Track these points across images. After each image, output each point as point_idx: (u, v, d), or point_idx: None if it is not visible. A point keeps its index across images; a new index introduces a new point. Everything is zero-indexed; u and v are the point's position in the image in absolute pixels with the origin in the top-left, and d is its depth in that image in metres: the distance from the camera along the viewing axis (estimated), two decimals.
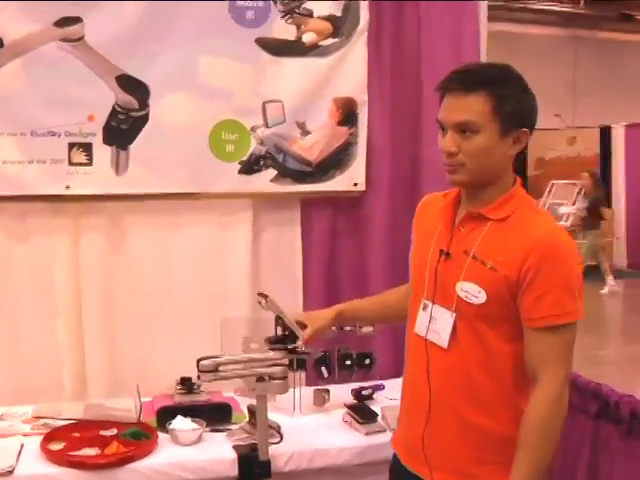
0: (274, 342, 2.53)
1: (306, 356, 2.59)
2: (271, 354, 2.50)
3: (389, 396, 3.08)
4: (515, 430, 1.99)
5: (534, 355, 1.96)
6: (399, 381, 3.26)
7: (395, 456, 2.30)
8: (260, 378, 2.47)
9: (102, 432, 2.70)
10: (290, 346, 2.49)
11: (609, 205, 13.18)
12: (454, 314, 2.04)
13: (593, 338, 7.76)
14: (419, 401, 2.14)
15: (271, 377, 2.47)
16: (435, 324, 2.09)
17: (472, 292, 1.99)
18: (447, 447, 2.09)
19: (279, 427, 2.69)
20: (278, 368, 2.48)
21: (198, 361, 2.43)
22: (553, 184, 12.52)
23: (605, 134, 13.51)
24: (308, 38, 3.31)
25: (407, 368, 2.26)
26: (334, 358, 3.07)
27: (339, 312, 2.52)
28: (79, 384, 3.29)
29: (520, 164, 13.46)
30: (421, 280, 2.15)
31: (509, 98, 1.96)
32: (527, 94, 2.02)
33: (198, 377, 2.45)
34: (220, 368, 2.44)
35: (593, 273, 11.97)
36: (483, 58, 3.52)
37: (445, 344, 2.06)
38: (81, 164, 3.15)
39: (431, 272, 2.11)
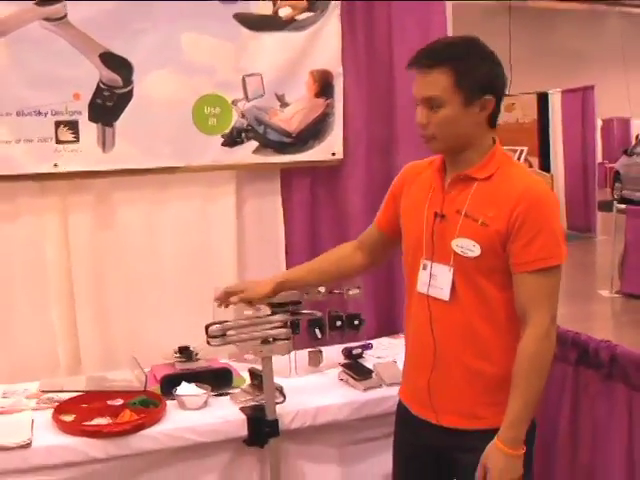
0: (276, 305, 2.64)
1: (308, 317, 2.71)
2: (276, 316, 2.61)
3: (377, 354, 3.24)
4: (501, 377, 2.16)
5: (524, 297, 2.11)
6: (386, 340, 3.45)
7: (402, 407, 2.43)
8: (265, 340, 2.58)
9: (109, 402, 2.79)
10: (292, 308, 2.62)
11: (548, 170, 13.53)
12: (452, 268, 2.18)
13: None
14: (424, 353, 2.28)
15: (275, 339, 2.58)
16: (436, 280, 2.23)
17: (467, 247, 2.14)
18: (452, 392, 2.23)
19: (282, 388, 2.80)
20: (282, 330, 2.60)
21: (206, 327, 2.53)
22: None
23: (543, 100, 13.77)
24: (284, 13, 3.40)
25: (409, 325, 2.38)
26: (325, 320, 3.19)
27: (278, 284, 2.58)
28: (74, 359, 3.35)
29: None
30: (419, 242, 2.28)
31: (470, 70, 2.09)
32: (489, 64, 2.15)
33: (208, 342, 2.54)
34: (228, 333, 2.55)
35: None
36: (449, 29, 3.66)
37: (447, 297, 2.20)
38: (68, 142, 3.19)
39: (428, 233, 2.24)
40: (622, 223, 8.36)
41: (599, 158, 15.14)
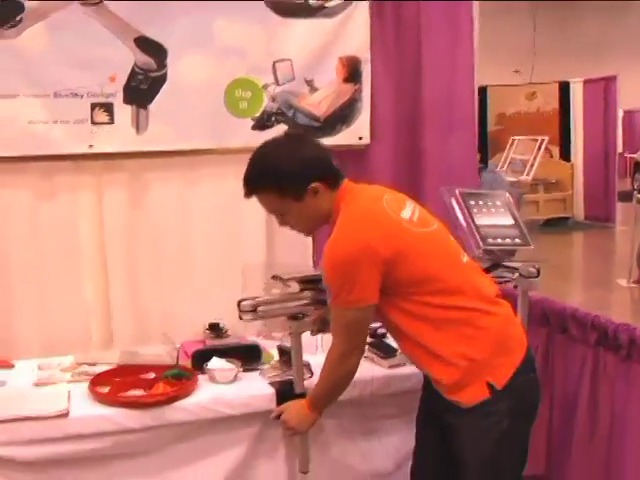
0: (304, 282, 2.73)
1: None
2: (305, 293, 2.70)
3: None
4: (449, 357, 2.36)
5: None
6: None
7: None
8: (294, 317, 2.67)
9: (143, 375, 2.89)
10: (321, 285, 2.70)
11: (568, 159, 13.54)
12: None
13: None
14: None
15: (304, 315, 2.67)
16: None
17: None
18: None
19: (309, 364, 2.89)
20: (311, 307, 2.68)
21: (239, 303, 2.62)
22: (514, 139, 12.80)
23: (564, 89, 13.75)
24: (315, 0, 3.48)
25: None
26: None
27: None
28: (106, 335, 3.47)
29: (481, 120, 13.75)
30: None
31: (281, 186, 2.38)
32: (298, 162, 2.40)
33: (240, 317, 2.63)
34: (259, 308, 2.63)
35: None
36: (476, 14, 3.74)
37: None
38: (103, 123, 3.31)
39: None
40: None
41: (619, 149, 15.08)
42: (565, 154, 13.72)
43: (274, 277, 2.80)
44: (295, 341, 2.71)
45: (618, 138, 14.15)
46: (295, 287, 2.78)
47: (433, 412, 2.56)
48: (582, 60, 13.74)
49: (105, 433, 2.61)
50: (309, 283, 2.73)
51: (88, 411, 2.65)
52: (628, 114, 20.43)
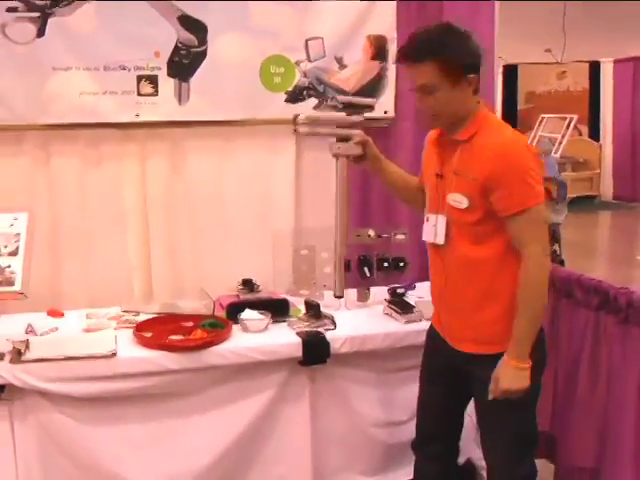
0: (353, 107, 2.92)
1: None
2: (353, 117, 2.88)
3: (419, 295, 3.57)
4: (513, 307, 2.49)
5: (517, 235, 2.46)
6: (428, 283, 3.76)
7: (432, 332, 2.83)
8: (343, 139, 2.80)
9: (182, 324, 3.18)
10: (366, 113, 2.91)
11: (597, 139, 13.62)
12: (445, 218, 2.58)
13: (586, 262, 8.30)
14: (438, 291, 2.73)
15: (350, 139, 2.80)
16: (437, 229, 2.63)
17: (458, 200, 2.52)
18: (456, 322, 2.65)
19: (333, 317, 3.17)
20: (357, 130, 2.83)
21: (295, 117, 2.88)
22: (543, 118, 12.90)
23: (594, 69, 13.80)
24: None
25: (430, 268, 2.79)
26: (373, 261, 3.54)
27: (379, 157, 2.89)
28: (147, 290, 3.76)
29: (511, 98, 13.85)
30: (427, 198, 2.72)
31: (451, 58, 2.41)
32: (467, 47, 2.46)
33: (295, 130, 2.90)
34: (312, 122, 2.88)
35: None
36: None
37: (442, 242, 2.60)
38: (148, 95, 3.57)
39: (433, 191, 2.66)
40: None
41: None
42: (594, 134, 13.79)
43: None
44: (341, 165, 2.82)
45: None
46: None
47: (439, 370, 2.78)
48: (613, 40, 13.70)
49: (149, 373, 2.91)
50: (355, 107, 2.91)
51: (134, 353, 2.94)
52: None
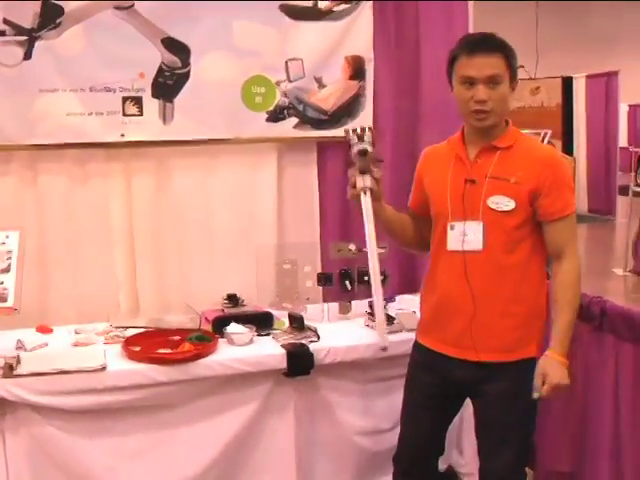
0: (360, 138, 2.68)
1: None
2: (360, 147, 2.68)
3: (399, 307, 3.66)
4: (539, 310, 2.64)
5: (557, 239, 2.61)
6: (407, 296, 3.85)
7: (425, 353, 2.81)
8: (364, 171, 2.63)
9: (169, 337, 3.25)
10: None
11: (571, 153, 13.77)
12: (481, 223, 2.62)
13: None
14: (459, 301, 2.66)
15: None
16: (468, 236, 2.65)
17: (503, 202, 2.59)
18: (490, 332, 2.63)
19: (316, 329, 3.26)
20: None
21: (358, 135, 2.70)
22: None
23: (567, 84, 13.97)
24: (323, 4, 3.85)
25: (438, 280, 2.76)
26: (355, 274, 3.63)
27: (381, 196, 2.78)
28: (133, 305, 3.84)
29: None
30: (443, 207, 2.72)
31: (512, 57, 2.59)
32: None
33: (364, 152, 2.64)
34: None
35: None
36: (471, 17, 4.09)
37: (480, 247, 2.62)
38: (133, 115, 3.66)
39: (457, 198, 2.67)
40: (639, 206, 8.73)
41: (625, 143, 15.28)
42: (568, 148, 13.94)
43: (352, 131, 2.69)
44: (368, 198, 2.65)
45: (621, 133, 14.37)
46: None
47: (428, 393, 2.77)
48: (587, 55, 13.93)
49: (138, 386, 2.97)
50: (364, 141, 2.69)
51: (123, 367, 3.00)
52: (633, 108, 20.62)
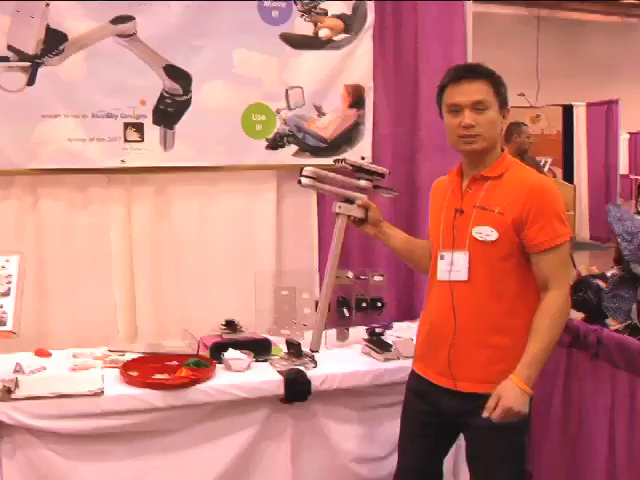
0: (362, 171, 2.94)
1: (386, 192, 3.06)
2: (361, 182, 2.95)
3: (396, 334, 3.68)
4: (522, 343, 2.53)
5: (545, 271, 2.54)
6: (405, 324, 3.88)
7: (418, 380, 2.80)
8: (347, 200, 2.90)
9: (167, 363, 3.26)
10: (375, 181, 2.96)
11: (571, 181, 13.80)
12: (467, 253, 2.62)
13: None
14: (444, 331, 2.66)
15: (354, 201, 2.90)
16: (455, 266, 2.66)
17: (485, 232, 2.58)
18: (469, 363, 2.61)
19: (313, 356, 3.27)
20: (362, 195, 2.93)
21: (301, 169, 2.92)
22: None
23: (568, 112, 14.03)
24: (323, 34, 3.90)
25: (429, 309, 2.79)
26: (352, 302, 3.66)
27: (382, 223, 2.95)
28: (131, 330, 3.85)
29: None
30: (437, 237, 2.75)
31: (499, 85, 2.64)
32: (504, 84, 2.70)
33: (299, 182, 2.91)
34: (318, 179, 2.91)
35: None
36: (469, 51, 4.14)
37: (465, 277, 2.62)
38: (134, 141, 3.70)
39: (448, 227, 2.69)
40: None
41: (625, 171, 15.30)
42: (568, 176, 13.98)
43: (336, 161, 2.92)
44: (341, 224, 2.91)
45: (621, 161, 14.40)
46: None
47: (424, 422, 2.77)
48: (588, 83, 13.97)
49: (135, 411, 2.97)
50: (365, 172, 2.96)
51: (120, 391, 3.01)
52: (634, 136, 20.69)
